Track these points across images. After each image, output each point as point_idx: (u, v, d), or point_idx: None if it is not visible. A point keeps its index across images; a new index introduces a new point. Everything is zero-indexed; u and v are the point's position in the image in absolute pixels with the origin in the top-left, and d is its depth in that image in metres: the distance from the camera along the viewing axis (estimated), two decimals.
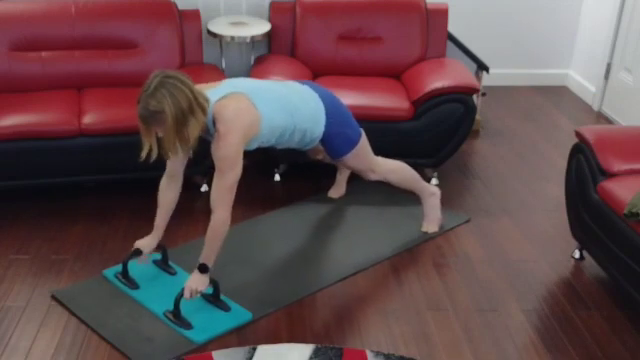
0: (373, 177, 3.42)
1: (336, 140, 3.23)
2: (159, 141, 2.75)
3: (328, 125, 3.17)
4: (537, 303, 3.11)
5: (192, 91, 2.72)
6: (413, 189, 3.53)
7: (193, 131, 2.74)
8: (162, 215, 3.07)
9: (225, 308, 2.95)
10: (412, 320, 2.97)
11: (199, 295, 2.88)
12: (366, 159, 3.36)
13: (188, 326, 2.83)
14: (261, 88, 3.04)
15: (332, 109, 3.20)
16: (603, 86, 5.09)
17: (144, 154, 2.76)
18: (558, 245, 3.52)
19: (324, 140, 3.22)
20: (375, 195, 3.89)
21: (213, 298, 2.97)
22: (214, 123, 2.83)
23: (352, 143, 3.26)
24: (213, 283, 2.93)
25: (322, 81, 4.04)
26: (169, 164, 2.98)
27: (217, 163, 2.82)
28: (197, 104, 2.73)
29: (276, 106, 3.00)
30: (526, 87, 5.52)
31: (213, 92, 2.89)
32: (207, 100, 2.80)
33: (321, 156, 3.62)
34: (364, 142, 3.31)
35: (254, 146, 3.01)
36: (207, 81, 3.05)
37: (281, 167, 4.08)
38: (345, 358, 2.72)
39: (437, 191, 3.57)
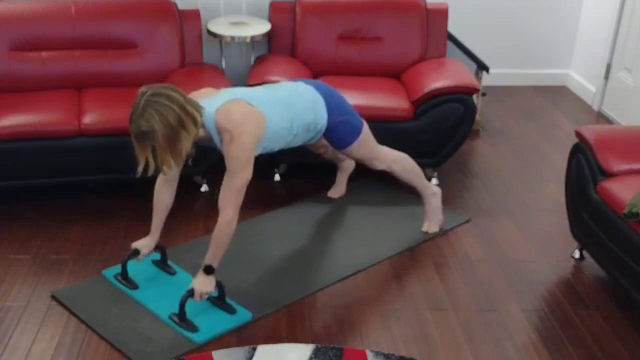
0: (379, 166, 3.43)
1: (340, 129, 3.24)
2: (154, 155, 2.75)
3: (330, 114, 3.18)
4: (537, 303, 3.11)
5: (180, 105, 2.71)
6: (415, 185, 3.54)
7: (186, 144, 2.73)
8: (158, 217, 3.07)
9: (230, 310, 2.94)
10: (412, 320, 2.97)
11: (207, 297, 2.89)
12: (371, 148, 3.37)
13: (194, 329, 2.83)
14: (257, 94, 3.04)
15: (330, 98, 3.22)
16: (603, 86, 5.09)
17: (140, 169, 2.75)
18: (558, 245, 3.52)
19: (328, 131, 3.22)
20: (375, 195, 3.90)
21: (219, 301, 2.97)
22: (219, 129, 2.83)
23: (356, 131, 3.27)
24: (218, 285, 2.92)
25: (322, 81, 4.02)
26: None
27: (228, 164, 2.83)
28: (187, 116, 2.71)
29: (276, 108, 3.00)
30: (526, 87, 5.52)
31: (212, 100, 2.89)
32: (199, 108, 2.79)
33: (322, 150, 3.62)
34: (367, 130, 3.33)
35: (258, 151, 2.99)
36: (208, 82, 3.05)
37: (281, 167, 4.08)
38: (345, 358, 2.72)
39: (438, 191, 3.58)
